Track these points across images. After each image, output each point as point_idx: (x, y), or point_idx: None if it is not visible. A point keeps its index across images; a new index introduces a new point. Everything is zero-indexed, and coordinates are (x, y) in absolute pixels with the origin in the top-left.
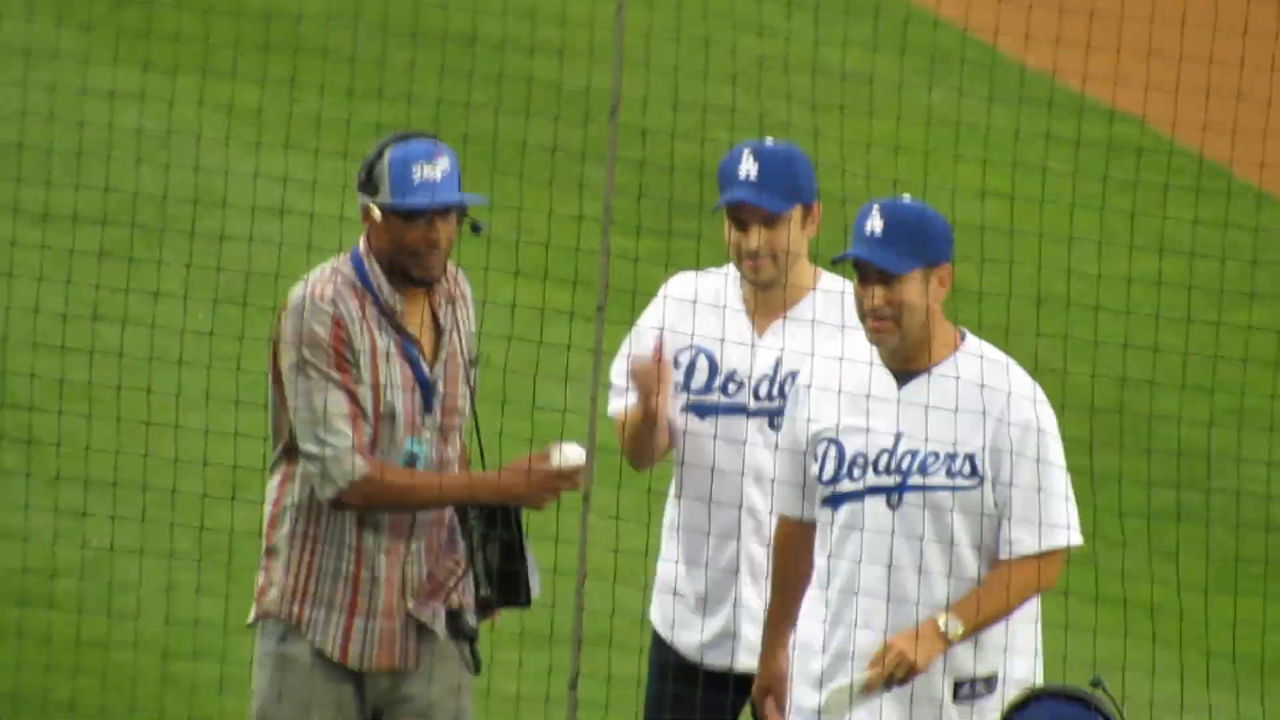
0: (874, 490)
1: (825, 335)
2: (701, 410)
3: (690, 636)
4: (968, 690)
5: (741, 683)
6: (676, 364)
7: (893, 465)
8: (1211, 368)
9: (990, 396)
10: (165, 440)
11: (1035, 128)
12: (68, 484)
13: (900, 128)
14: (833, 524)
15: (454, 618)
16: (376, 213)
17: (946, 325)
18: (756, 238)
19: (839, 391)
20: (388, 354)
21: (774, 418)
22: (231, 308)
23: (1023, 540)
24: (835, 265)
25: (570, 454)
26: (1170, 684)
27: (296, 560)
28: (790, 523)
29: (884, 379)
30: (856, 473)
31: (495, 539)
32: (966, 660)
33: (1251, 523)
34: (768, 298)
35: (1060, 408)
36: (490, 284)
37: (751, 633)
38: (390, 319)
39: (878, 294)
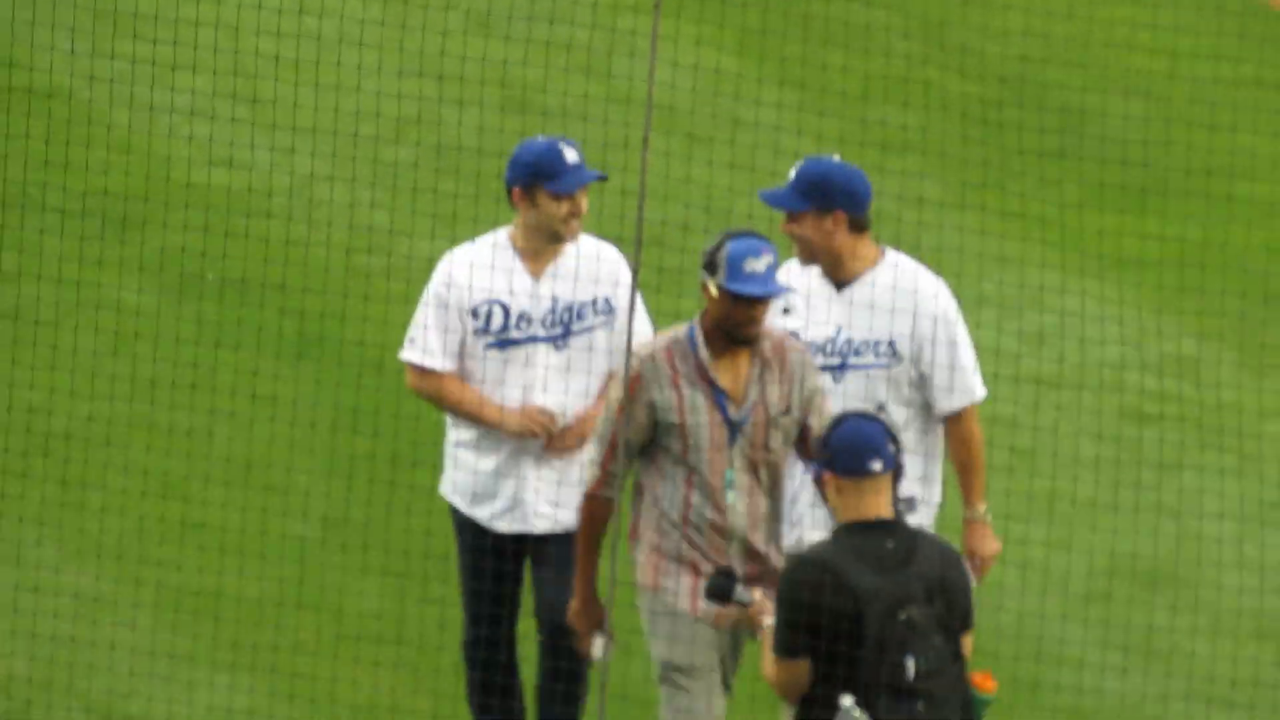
0: (823, 369)
1: (589, 278)
2: (502, 345)
3: (488, 507)
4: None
5: (524, 542)
6: (475, 314)
7: (834, 350)
8: (1085, 49)
9: (905, 297)
10: None
11: None
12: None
13: None
14: None
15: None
16: (713, 289)
17: (866, 248)
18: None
19: (801, 299)
20: (694, 400)
21: (557, 341)
22: None
23: (949, 402)
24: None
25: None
26: (1053, 274)
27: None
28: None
29: (825, 288)
30: (813, 355)
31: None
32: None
33: (1112, 159)
34: (535, 252)
35: (985, 78)
36: None
37: (538, 502)
38: (702, 373)
39: (785, 225)
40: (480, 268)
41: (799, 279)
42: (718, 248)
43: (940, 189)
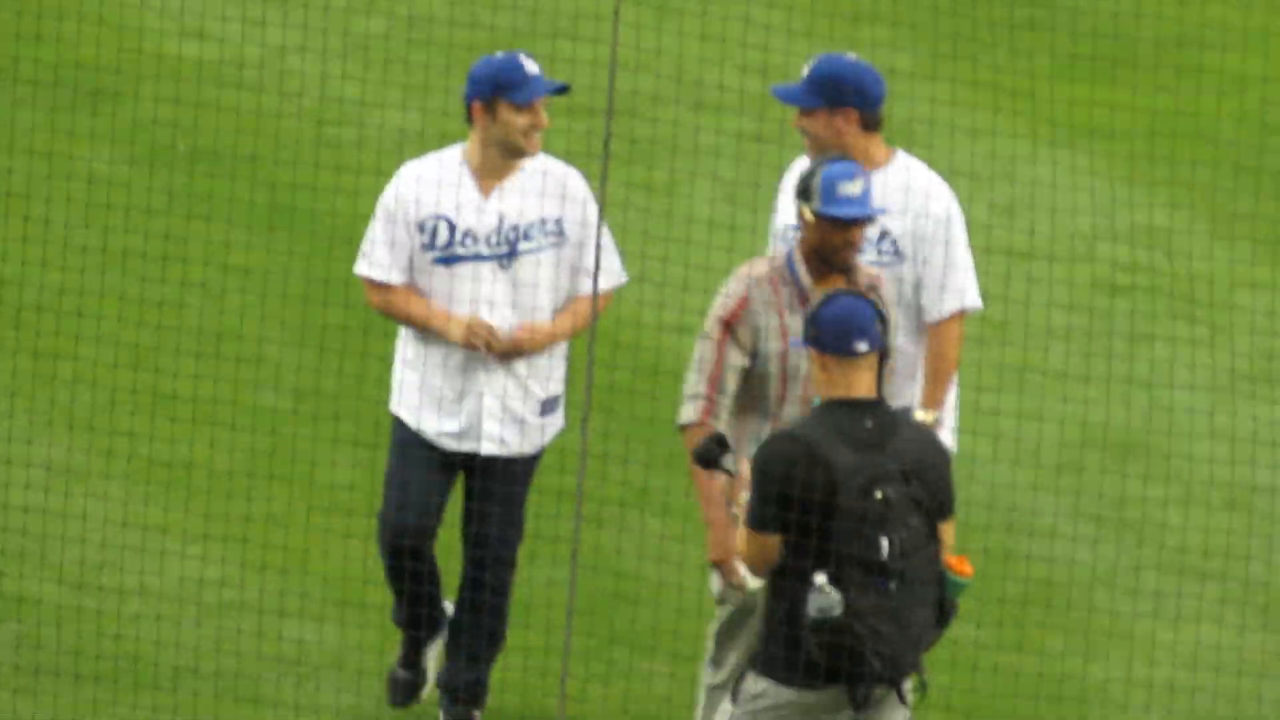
0: None
1: (537, 195)
2: (447, 261)
3: (436, 424)
4: None
5: (484, 463)
6: (422, 229)
7: None
8: None
9: (910, 196)
10: None
11: None
12: None
13: None
14: None
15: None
16: (809, 215)
17: (877, 147)
18: None
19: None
20: (794, 327)
21: (502, 260)
22: None
23: (940, 306)
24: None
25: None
26: (1024, 144)
27: None
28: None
29: None
30: None
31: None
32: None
33: (1083, 30)
34: (488, 169)
35: None
36: None
37: (487, 425)
38: (803, 299)
39: (797, 120)
40: (429, 182)
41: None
42: (811, 173)
43: (911, 60)
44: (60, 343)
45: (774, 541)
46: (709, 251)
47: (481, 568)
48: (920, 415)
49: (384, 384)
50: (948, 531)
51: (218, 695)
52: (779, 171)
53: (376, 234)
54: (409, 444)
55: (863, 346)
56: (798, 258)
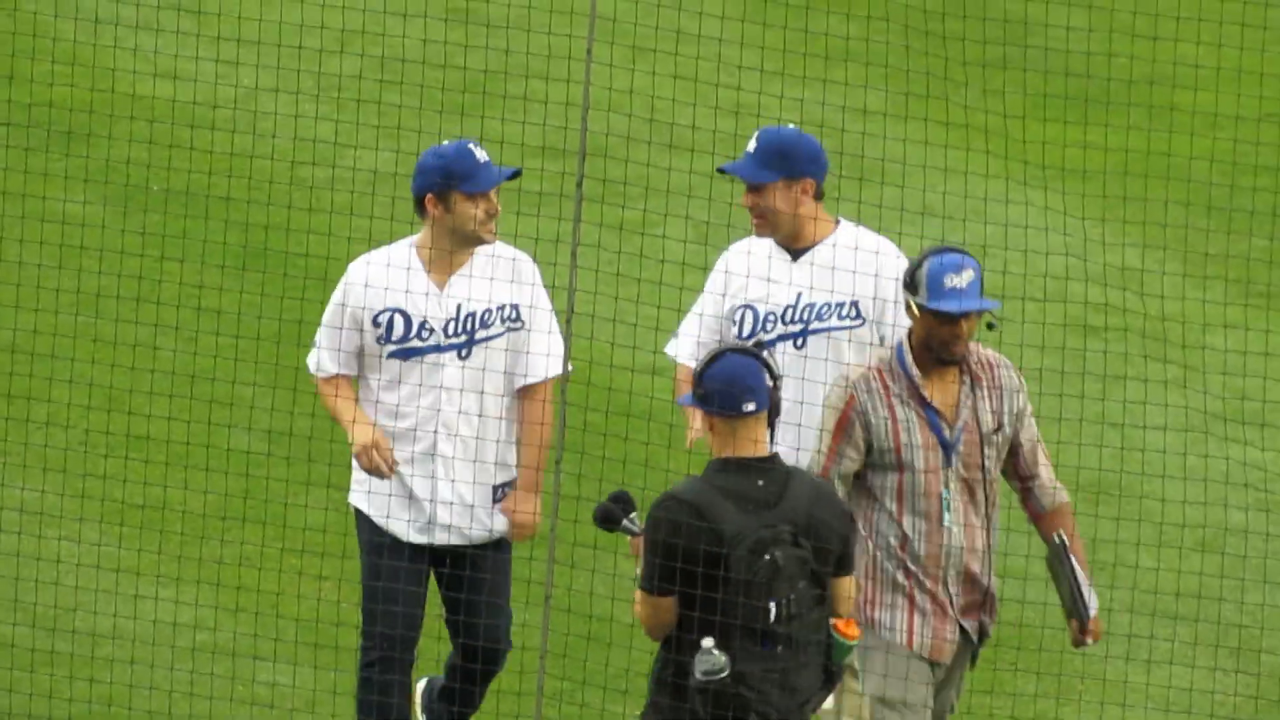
0: (783, 337)
1: (490, 281)
2: (405, 354)
3: (401, 517)
4: None
5: (438, 554)
6: (376, 323)
7: (794, 317)
8: None
9: (866, 258)
10: None
11: None
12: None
13: None
14: None
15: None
16: (915, 308)
17: (823, 216)
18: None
19: (752, 274)
20: (908, 421)
21: (460, 350)
22: None
23: None
24: (721, 174)
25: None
26: (996, 185)
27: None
28: (686, 368)
29: (782, 256)
30: (769, 326)
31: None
32: None
33: (1055, 70)
34: (442, 259)
35: None
36: None
37: (445, 515)
38: (914, 392)
39: (747, 198)
40: (380, 276)
41: (759, 249)
42: (917, 265)
43: (882, 100)
44: (34, 385)
45: (667, 604)
46: (681, 293)
47: (473, 653)
48: None
49: None
50: (845, 586)
51: None
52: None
53: (323, 326)
54: (379, 547)
55: (750, 406)
56: (907, 350)
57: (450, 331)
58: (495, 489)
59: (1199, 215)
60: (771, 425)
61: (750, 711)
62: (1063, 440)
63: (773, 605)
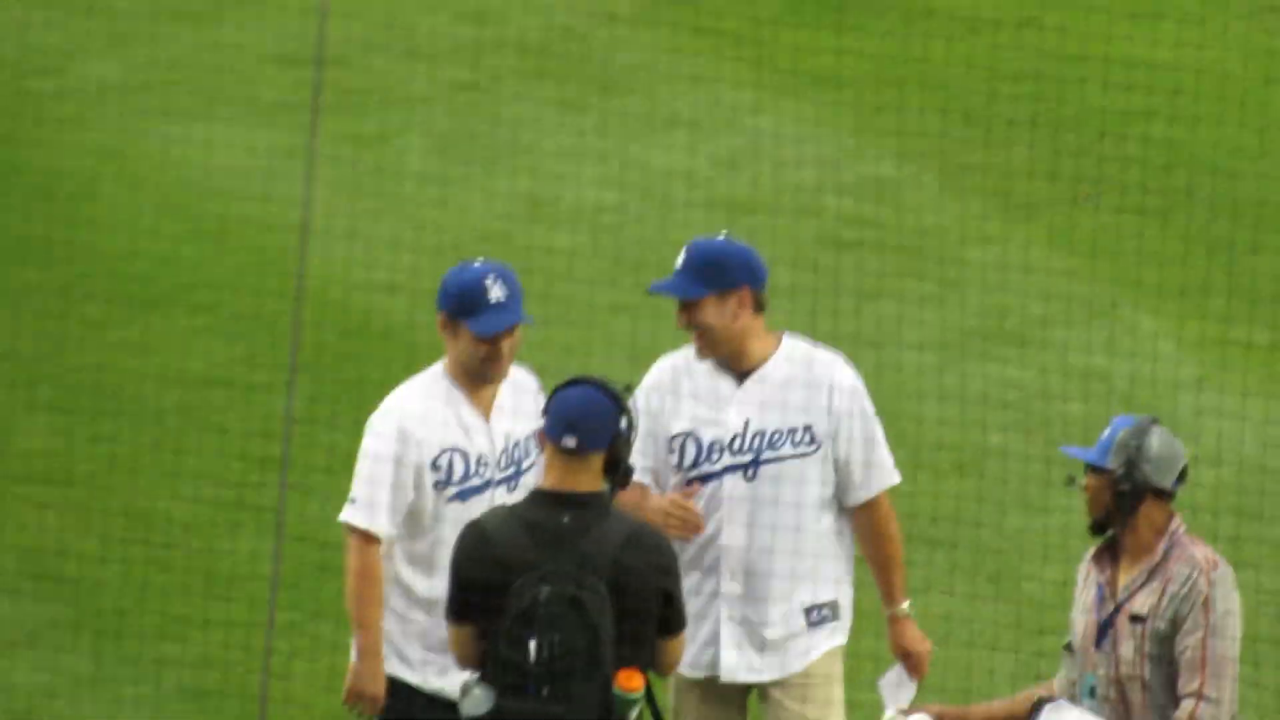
0: (732, 468)
1: (517, 407)
2: (464, 495)
3: (442, 681)
4: (816, 615)
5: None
6: (435, 467)
7: (744, 446)
8: None
9: (814, 373)
10: None
11: None
12: None
13: None
14: (698, 500)
15: None
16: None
17: (765, 331)
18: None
19: (692, 396)
20: (1083, 599)
21: (510, 483)
22: None
23: (866, 486)
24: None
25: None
26: (747, 93)
27: None
28: (639, 486)
29: (727, 379)
30: (715, 456)
31: None
32: (809, 593)
33: None
34: (475, 387)
35: None
36: None
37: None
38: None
39: (681, 317)
40: (431, 413)
41: (701, 373)
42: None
43: (630, 4)
44: None
45: (466, 632)
46: (420, 206)
47: None
48: (894, 611)
49: (85, 348)
50: (668, 648)
51: None
52: (492, 123)
53: (378, 479)
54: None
55: (569, 443)
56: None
57: (501, 465)
58: None
59: (956, 124)
60: (612, 473)
61: None
62: None
63: (532, 644)
